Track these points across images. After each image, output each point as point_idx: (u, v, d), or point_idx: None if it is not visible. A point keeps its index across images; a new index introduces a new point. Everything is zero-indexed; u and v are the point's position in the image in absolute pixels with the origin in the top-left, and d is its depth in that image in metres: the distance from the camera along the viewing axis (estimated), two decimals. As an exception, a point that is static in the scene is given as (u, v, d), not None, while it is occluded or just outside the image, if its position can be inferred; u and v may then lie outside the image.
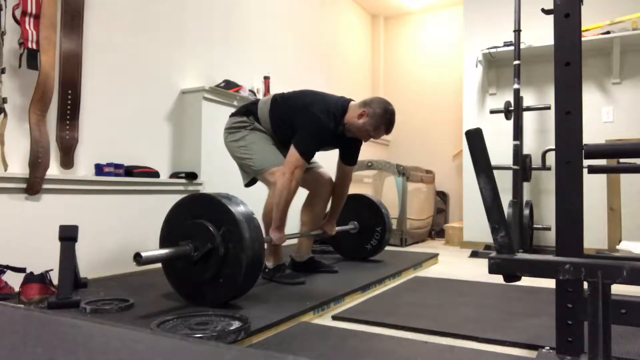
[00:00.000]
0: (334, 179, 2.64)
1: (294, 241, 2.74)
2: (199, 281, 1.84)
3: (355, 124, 2.33)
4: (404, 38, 5.91)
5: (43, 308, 1.80)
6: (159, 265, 2.74)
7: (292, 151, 2.24)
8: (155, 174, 2.84)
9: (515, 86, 3.59)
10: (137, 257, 1.62)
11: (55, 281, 1.89)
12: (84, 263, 2.23)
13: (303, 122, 2.28)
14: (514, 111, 3.60)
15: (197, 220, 1.84)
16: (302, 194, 2.63)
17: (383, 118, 2.31)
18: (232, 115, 2.50)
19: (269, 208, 2.34)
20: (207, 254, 1.79)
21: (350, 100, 2.42)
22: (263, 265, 1.87)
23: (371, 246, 3.08)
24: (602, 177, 3.67)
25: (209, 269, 1.80)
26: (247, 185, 2.48)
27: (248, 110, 2.46)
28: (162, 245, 1.94)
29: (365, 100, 2.36)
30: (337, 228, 2.75)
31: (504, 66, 4.13)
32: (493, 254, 1.20)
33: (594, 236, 3.59)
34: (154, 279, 2.43)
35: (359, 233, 3.10)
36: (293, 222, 2.70)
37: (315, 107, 2.29)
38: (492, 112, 3.77)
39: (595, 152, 1.30)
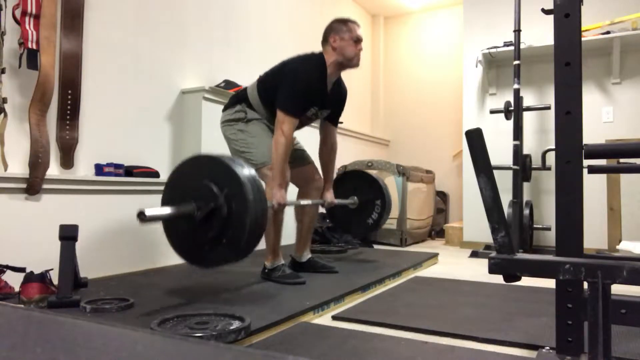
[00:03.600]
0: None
1: (294, 241, 2.74)
2: (201, 242, 1.79)
3: (338, 54, 2.35)
4: (404, 38, 5.91)
5: (43, 307, 1.80)
6: (159, 265, 2.75)
7: (278, 111, 2.26)
8: (155, 174, 2.84)
9: (515, 86, 3.59)
10: (141, 215, 1.58)
11: (55, 281, 1.89)
12: (84, 263, 2.23)
13: (283, 79, 2.30)
14: (514, 111, 3.60)
15: (200, 181, 1.79)
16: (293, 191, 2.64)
17: (342, 24, 2.38)
18: (225, 108, 2.51)
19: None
20: (210, 214, 1.74)
21: (320, 52, 2.44)
22: (265, 225, 1.84)
23: (372, 220, 3.07)
24: (602, 177, 3.67)
25: (211, 229, 1.75)
26: None
27: (239, 98, 2.47)
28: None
29: (322, 40, 2.43)
30: (337, 200, 2.73)
31: (504, 66, 4.13)
32: (493, 254, 1.20)
33: (594, 236, 3.59)
34: (154, 279, 2.43)
35: (359, 208, 3.06)
36: (291, 222, 2.70)
37: (292, 62, 2.33)
38: (492, 112, 3.77)
39: (595, 152, 1.30)
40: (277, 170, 2.25)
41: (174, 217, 1.79)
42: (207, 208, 1.74)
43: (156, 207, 1.69)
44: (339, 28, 2.37)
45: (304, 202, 2.56)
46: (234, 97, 2.51)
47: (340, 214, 3.14)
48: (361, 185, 3.12)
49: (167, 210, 1.74)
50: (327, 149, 2.64)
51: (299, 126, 2.47)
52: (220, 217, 1.74)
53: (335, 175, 2.76)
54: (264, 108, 2.41)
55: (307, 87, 2.31)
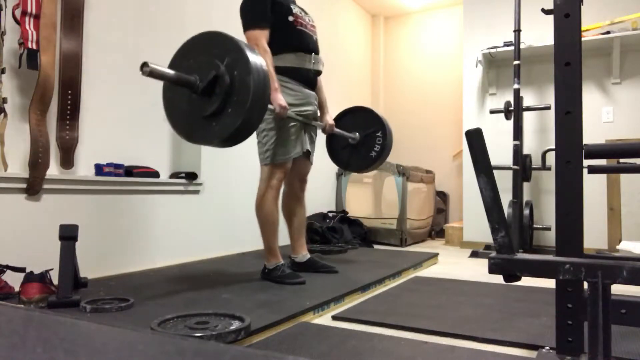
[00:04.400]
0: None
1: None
2: (205, 115, 1.73)
3: None
4: (404, 38, 5.91)
5: (43, 307, 1.80)
6: (158, 265, 2.75)
7: (245, 37, 2.25)
8: (155, 174, 2.84)
9: (515, 86, 3.59)
10: (144, 66, 1.54)
11: (55, 281, 1.89)
12: (84, 263, 2.23)
13: (240, 8, 2.32)
14: (514, 111, 3.60)
15: (199, 58, 1.75)
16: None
17: None
18: None
19: (259, 203, 2.38)
20: (213, 83, 1.69)
21: None
22: (269, 97, 1.79)
23: (375, 152, 2.96)
24: (602, 177, 3.67)
25: (215, 99, 1.70)
26: None
27: None
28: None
29: None
30: (337, 130, 2.70)
31: (504, 66, 4.13)
32: (493, 254, 1.20)
33: (594, 236, 3.59)
34: (154, 279, 2.43)
35: (360, 143, 2.97)
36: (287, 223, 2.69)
37: None
38: (492, 112, 3.77)
39: (595, 152, 1.30)
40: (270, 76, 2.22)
41: (175, 82, 1.72)
42: (209, 76, 1.68)
43: (160, 65, 1.64)
44: None
45: (304, 115, 2.44)
46: None
47: (340, 150, 3.03)
48: (359, 120, 3.01)
49: (170, 71, 1.69)
50: None
51: (310, 32, 2.43)
52: (223, 85, 1.68)
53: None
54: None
55: None
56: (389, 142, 2.96)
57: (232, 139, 1.75)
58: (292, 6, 2.43)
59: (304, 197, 2.67)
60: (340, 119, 2.91)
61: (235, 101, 1.68)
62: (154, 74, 1.60)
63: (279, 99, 2.23)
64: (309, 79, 2.47)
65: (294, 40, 2.35)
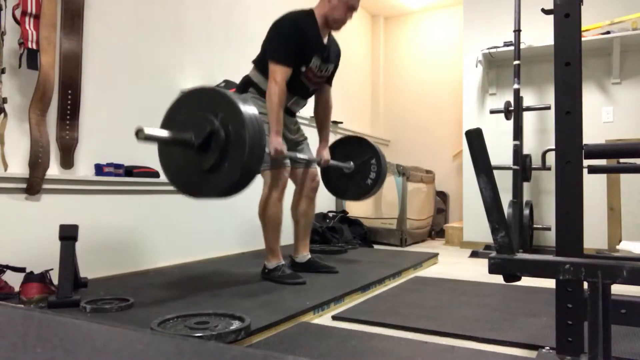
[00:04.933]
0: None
1: (293, 241, 2.74)
2: (202, 171, 1.75)
3: (328, 10, 2.35)
4: (404, 38, 5.91)
5: (43, 307, 1.80)
6: (158, 265, 2.75)
7: (269, 65, 2.28)
8: (155, 174, 2.83)
9: (515, 86, 3.59)
10: (139, 132, 1.56)
11: (55, 281, 1.89)
12: (84, 263, 2.23)
13: (269, 35, 2.35)
14: (514, 111, 3.60)
15: (193, 113, 1.77)
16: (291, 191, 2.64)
17: None
18: None
19: (263, 206, 2.39)
20: (208, 139, 1.71)
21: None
22: (265, 146, 1.81)
23: (371, 180, 3.00)
24: (602, 177, 3.67)
25: (212, 154, 1.72)
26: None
27: (245, 83, 2.48)
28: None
29: None
30: (332, 162, 2.73)
31: (504, 66, 4.13)
32: (493, 254, 1.20)
33: (594, 236, 3.59)
34: (154, 279, 2.43)
35: (355, 172, 3.02)
36: (289, 222, 2.69)
37: (277, 19, 2.36)
38: (492, 112, 3.77)
39: (595, 152, 1.30)
40: (272, 118, 2.25)
41: (172, 142, 1.75)
42: (204, 134, 1.70)
43: (154, 128, 1.66)
44: None
45: (300, 155, 2.52)
46: (241, 86, 2.51)
47: (335, 179, 3.07)
48: (353, 149, 3.05)
49: (165, 132, 1.71)
50: (322, 106, 2.66)
51: (311, 84, 2.48)
52: (219, 140, 1.70)
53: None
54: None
55: (295, 32, 2.31)
56: (384, 169, 3.02)
57: (232, 191, 1.79)
58: (315, 58, 2.41)
59: (315, 198, 2.66)
60: (334, 150, 2.94)
61: (232, 155, 1.72)
62: (149, 139, 1.63)
63: (277, 142, 2.25)
64: (286, 109, 2.47)
65: (291, 84, 2.35)
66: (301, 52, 2.34)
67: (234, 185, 1.75)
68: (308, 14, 2.40)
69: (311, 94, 2.59)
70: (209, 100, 1.77)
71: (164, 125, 1.85)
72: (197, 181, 1.79)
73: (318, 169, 2.69)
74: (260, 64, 2.42)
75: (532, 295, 2.26)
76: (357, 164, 3.02)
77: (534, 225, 3.76)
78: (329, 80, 2.65)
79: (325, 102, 2.67)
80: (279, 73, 2.26)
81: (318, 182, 2.65)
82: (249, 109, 1.73)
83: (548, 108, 3.63)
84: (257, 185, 2.49)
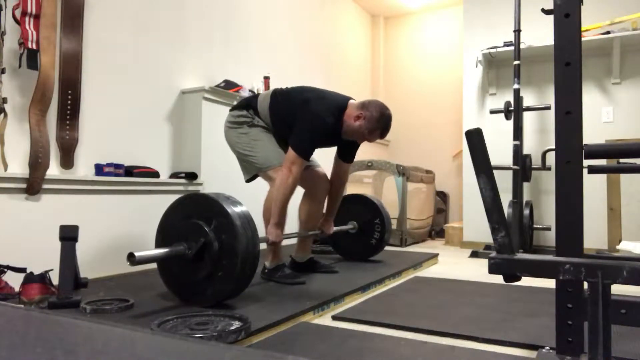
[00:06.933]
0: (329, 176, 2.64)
1: (294, 241, 2.74)
2: (197, 280, 1.83)
3: (351, 126, 2.33)
4: (404, 38, 5.91)
5: (43, 308, 1.80)
6: (159, 265, 2.75)
7: (290, 149, 2.24)
8: (155, 174, 2.84)
9: (515, 86, 3.59)
10: (131, 257, 1.62)
11: (55, 281, 1.89)
12: (84, 263, 2.23)
13: (301, 118, 2.27)
14: (514, 111, 3.60)
15: (189, 220, 1.85)
16: (299, 191, 2.64)
17: (379, 122, 2.31)
18: (233, 109, 2.49)
19: (269, 204, 2.34)
20: (202, 250, 1.79)
21: (349, 98, 2.42)
22: (258, 253, 1.86)
23: (375, 240, 3.07)
24: (602, 177, 3.67)
25: (205, 265, 1.80)
26: (248, 180, 2.48)
27: (249, 104, 2.45)
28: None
29: (364, 102, 2.35)
30: (336, 228, 2.75)
31: (504, 66, 4.13)
32: (493, 254, 1.20)
33: (594, 236, 3.59)
34: (154, 279, 2.42)
35: (359, 232, 3.09)
36: (292, 221, 2.69)
37: (313, 103, 2.28)
38: (492, 112, 3.77)
39: (595, 152, 1.30)
40: (277, 211, 2.23)
41: (166, 258, 1.83)
42: (198, 245, 1.78)
43: (146, 250, 1.73)
44: (376, 118, 2.29)
45: (300, 233, 2.60)
46: (245, 101, 2.50)
47: (343, 241, 3.14)
48: (357, 208, 3.13)
49: (157, 252, 1.78)
50: (337, 183, 2.63)
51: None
52: (212, 251, 1.78)
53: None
54: (270, 122, 2.40)
55: (323, 132, 2.30)
56: (388, 228, 3.08)
57: (228, 299, 1.87)
58: (324, 147, 2.45)
59: (324, 201, 2.63)
60: (339, 208, 2.96)
61: (225, 265, 1.79)
62: (141, 262, 1.67)
63: (276, 235, 2.25)
64: None
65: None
66: (320, 142, 2.37)
67: (229, 295, 1.84)
68: (340, 112, 2.33)
69: None
70: (205, 207, 1.85)
71: (161, 228, 1.96)
72: (192, 290, 1.87)
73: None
74: (277, 107, 2.37)
75: (532, 295, 2.26)
76: (360, 223, 3.09)
77: (534, 225, 3.76)
78: (348, 157, 2.59)
79: (340, 178, 2.63)
80: (297, 165, 2.22)
81: (327, 180, 2.62)
82: (242, 220, 1.79)
83: (548, 108, 3.63)
84: (259, 186, 2.50)
